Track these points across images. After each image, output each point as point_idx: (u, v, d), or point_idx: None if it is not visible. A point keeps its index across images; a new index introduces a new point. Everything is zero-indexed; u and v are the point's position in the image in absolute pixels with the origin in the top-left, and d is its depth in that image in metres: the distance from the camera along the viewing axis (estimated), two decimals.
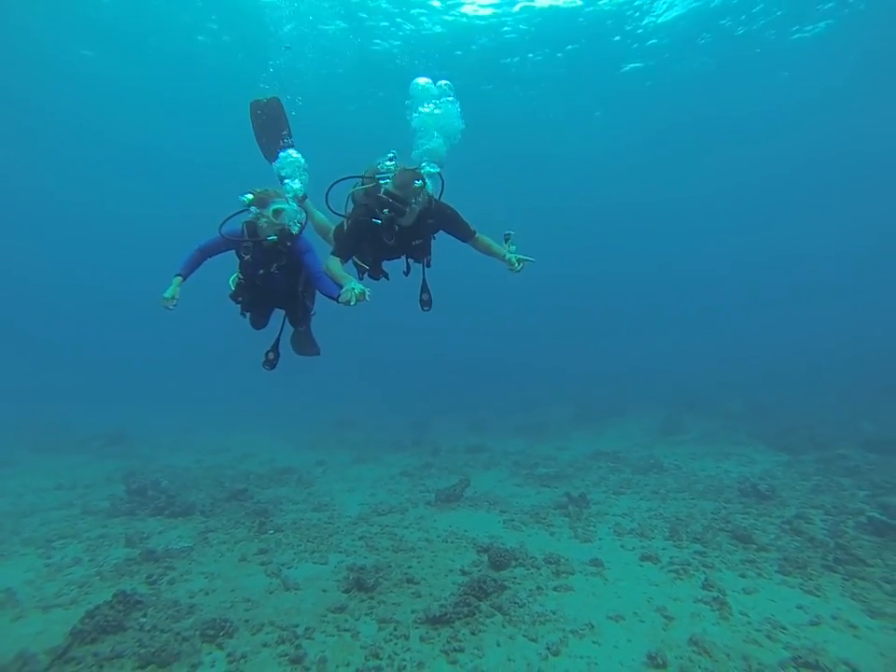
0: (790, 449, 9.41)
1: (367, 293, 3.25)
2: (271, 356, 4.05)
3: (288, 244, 3.71)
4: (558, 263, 38.56)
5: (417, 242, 3.90)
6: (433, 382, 22.94)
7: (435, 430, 14.51)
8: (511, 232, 3.91)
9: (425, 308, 4.18)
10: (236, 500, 7.44)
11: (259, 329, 4.17)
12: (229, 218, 3.75)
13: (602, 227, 34.92)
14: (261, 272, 3.75)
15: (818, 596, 4.25)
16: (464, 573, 4.87)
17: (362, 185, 3.90)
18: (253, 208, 3.64)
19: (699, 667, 3.37)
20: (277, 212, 3.57)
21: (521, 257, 3.87)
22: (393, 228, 3.68)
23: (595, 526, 6.16)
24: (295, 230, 3.72)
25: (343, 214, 4.05)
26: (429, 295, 4.16)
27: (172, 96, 18.74)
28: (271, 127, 4.49)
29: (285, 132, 4.47)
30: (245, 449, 12.32)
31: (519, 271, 3.85)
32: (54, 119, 19.90)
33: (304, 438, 13.88)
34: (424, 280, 4.16)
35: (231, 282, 3.87)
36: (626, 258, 39.59)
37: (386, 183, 3.63)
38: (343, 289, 3.27)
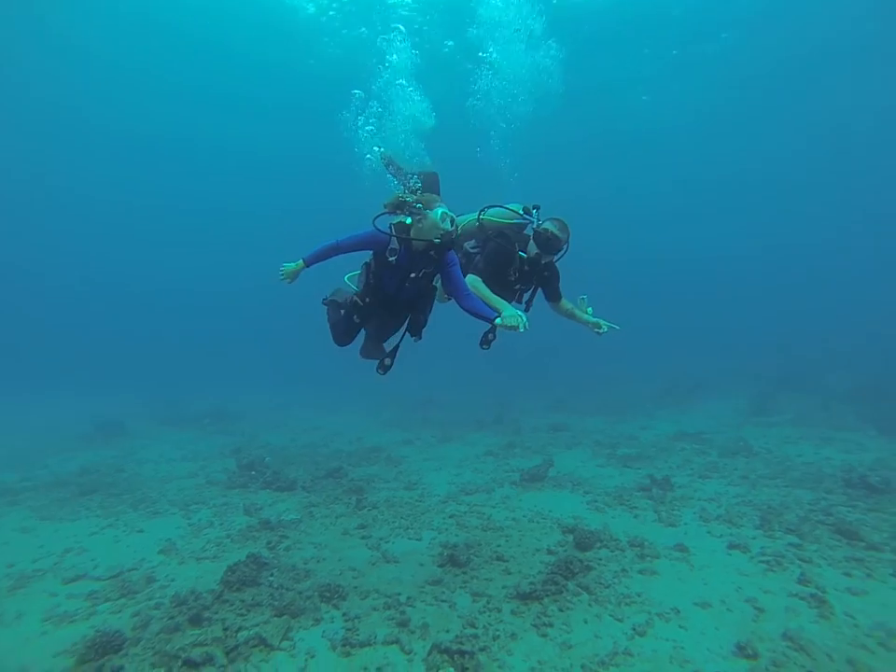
0: None
1: (527, 323, 3.20)
2: (387, 362, 3.98)
3: (445, 251, 3.61)
4: (645, 241, 36.78)
5: (520, 287, 4.07)
6: (513, 359, 23.01)
7: (516, 408, 14.69)
8: (585, 296, 4.16)
9: (483, 347, 3.82)
10: (332, 478, 8.14)
11: (377, 336, 4.12)
12: (383, 214, 3.63)
13: (693, 202, 32.88)
14: (412, 275, 3.63)
15: None
16: (550, 552, 5.11)
17: (495, 217, 4.02)
18: (421, 208, 3.53)
19: (795, 664, 3.24)
20: (444, 215, 3.50)
21: (606, 322, 4.04)
22: (537, 264, 3.86)
23: (679, 511, 6.12)
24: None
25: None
26: (495, 336, 3.78)
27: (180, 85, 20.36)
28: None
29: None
30: (334, 427, 13.24)
31: (604, 333, 4.05)
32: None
33: (388, 416, 14.64)
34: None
35: (346, 279, 3.83)
36: (724, 232, 37.05)
37: (545, 223, 3.85)
38: (509, 314, 3.24)
